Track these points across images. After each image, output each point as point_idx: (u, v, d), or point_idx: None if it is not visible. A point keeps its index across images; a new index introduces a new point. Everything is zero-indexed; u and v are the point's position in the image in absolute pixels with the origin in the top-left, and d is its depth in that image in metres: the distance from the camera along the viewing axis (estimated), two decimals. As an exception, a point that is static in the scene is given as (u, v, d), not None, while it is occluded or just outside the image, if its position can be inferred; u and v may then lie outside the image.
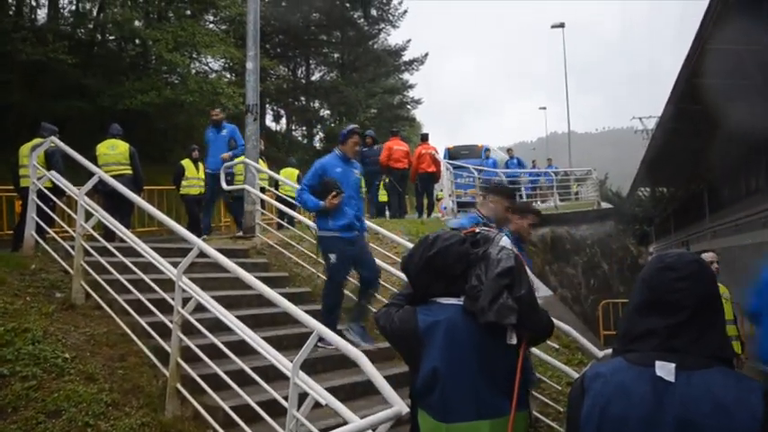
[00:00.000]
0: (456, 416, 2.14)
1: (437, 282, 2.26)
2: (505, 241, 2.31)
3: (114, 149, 8.28)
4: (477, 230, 2.39)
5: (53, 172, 6.19)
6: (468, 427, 2.13)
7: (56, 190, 6.32)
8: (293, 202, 8.72)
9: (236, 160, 9.40)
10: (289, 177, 10.82)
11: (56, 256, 5.60)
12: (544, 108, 50.46)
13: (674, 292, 1.45)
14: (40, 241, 5.96)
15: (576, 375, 4.56)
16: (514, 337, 2.17)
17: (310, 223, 7.43)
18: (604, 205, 20.94)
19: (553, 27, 33.56)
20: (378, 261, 6.07)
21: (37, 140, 7.46)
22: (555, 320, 4.58)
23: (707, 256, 5.82)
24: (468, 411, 2.13)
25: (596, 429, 1.45)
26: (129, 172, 8.24)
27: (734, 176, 23.26)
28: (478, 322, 2.14)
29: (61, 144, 6.30)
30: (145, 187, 9.31)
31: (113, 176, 7.02)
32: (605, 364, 1.55)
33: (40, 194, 6.05)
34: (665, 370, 1.39)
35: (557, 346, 5.72)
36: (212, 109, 10.70)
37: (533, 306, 2.26)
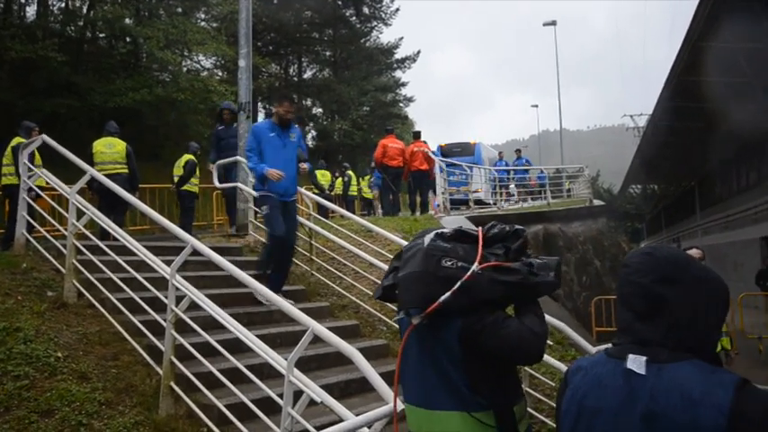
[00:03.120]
0: (408, 396, 2.28)
1: None
2: (429, 236, 2.29)
3: (111, 148, 8.23)
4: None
5: (44, 170, 6.15)
6: (409, 409, 2.27)
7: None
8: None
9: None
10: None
11: (47, 254, 5.56)
12: (536, 106, 50.71)
13: (627, 286, 1.50)
14: (31, 240, 5.92)
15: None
16: (401, 314, 2.22)
17: (303, 221, 7.44)
18: (596, 202, 21.01)
19: (545, 25, 33.64)
20: (371, 258, 6.09)
21: (18, 140, 7.42)
22: (547, 316, 4.62)
23: (693, 253, 5.84)
24: (412, 395, 2.27)
25: (574, 421, 1.49)
26: (126, 171, 8.20)
27: (724, 174, 23.44)
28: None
29: (52, 142, 6.26)
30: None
31: (109, 175, 6.99)
32: (587, 358, 1.59)
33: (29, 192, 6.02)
34: (637, 363, 1.41)
35: (550, 343, 5.74)
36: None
37: (405, 287, 2.20)
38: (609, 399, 1.42)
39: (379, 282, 6.43)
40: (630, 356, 1.42)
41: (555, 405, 5.02)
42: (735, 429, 1.27)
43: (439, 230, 2.30)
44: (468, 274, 2.09)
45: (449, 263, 2.13)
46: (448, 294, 2.08)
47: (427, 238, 2.24)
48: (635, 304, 1.47)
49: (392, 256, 2.47)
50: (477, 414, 2.13)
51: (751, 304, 12.73)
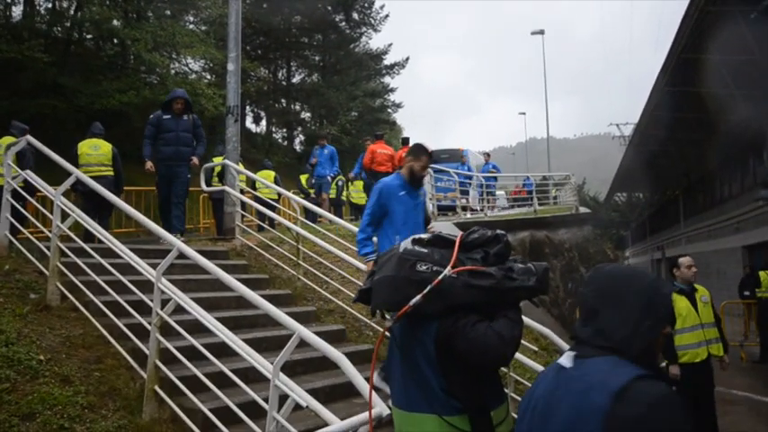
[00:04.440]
0: (394, 399, 2.35)
1: None
2: (406, 242, 2.35)
3: (97, 150, 8.16)
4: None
5: (28, 171, 6.09)
6: (393, 411, 2.34)
7: (27, 189, 6.22)
8: (273, 203, 8.70)
9: (216, 161, 9.38)
10: (266, 179, 10.77)
11: (30, 256, 5.50)
12: (524, 113, 51.11)
13: (577, 295, 1.73)
14: (14, 242, 5.85)
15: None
16: (378, 316, 2.41)
17: (291, 225, 7.43)
18: (582, 210, 21.18)
19: (533, 34, 33.91)
20: (358, 263, 6.09)
21: (8, 139, 7.34)
22: (532, 322, 4.65)
23: (685, 260, 5.92)
24: (396, 398, 2.33)
25: (524, 410, 1.67)
26: (111, 173, 8.14)
27: (708, 183, 23.74)
28: (406, 320, 2.28)
29: (37, 143, 6.20)
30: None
31: (94, 177, 6.92)
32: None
33: (14, 194, 5.95)
34: (567, 358, 1.60)
35: (535, 349, 5.78)
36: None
37: (377, 290, 2.28)
38: (541, 388, 1.63)
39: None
40: (566, 353, 1.62)
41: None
42: (614, 411, 1.38)
43: (417, 236, 2.33)
44: (439, 278, 2.12)
45: (423, 267, 2.17)
46: (418, 297, 2.12)
47: (404, 244, 2.28)
48: (581, 310, 1.69)
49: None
50: (450, 418, 2.15)
51: (734, 312, 12.88)
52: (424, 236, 2.34)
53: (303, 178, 14.35)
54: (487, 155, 18.42)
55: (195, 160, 8.15)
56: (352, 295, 6.56)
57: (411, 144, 5.21)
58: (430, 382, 2.19)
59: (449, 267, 2.16)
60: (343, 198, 16.60)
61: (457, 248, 2.23)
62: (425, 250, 2.24)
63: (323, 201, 11.90)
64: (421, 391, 2.21)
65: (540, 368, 4.81)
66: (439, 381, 2.18)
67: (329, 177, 12.39)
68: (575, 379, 1.52)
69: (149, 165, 7.83)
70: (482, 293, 2.17)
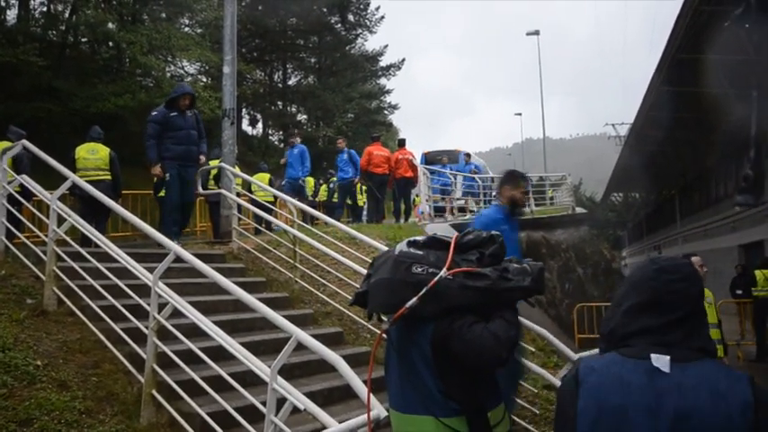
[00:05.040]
0: (391, 401, 2.35)
1: None
2: (401, 244, 2.36)
3: (94, 154, 8.14)
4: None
5: (24, 176, 6.07)
6: (391, 413, 2.34)
7: (24, 194, 6.20)
8: (270, 206, 8.70)
9: (212, 164, 9.36)
10: (261, 182, 10.76)
11: (27, 261, 5.48)
12: (520, 114, 51.25)
13: (673, 293, 1.56)
14: (11, 246, 5.83)
15: (552, 378, 4.62)
16: (375, 319, 2.36)
17: (287, 228, 7.42)
18: (579, 210, 21.22)
19: (528, 35, 33.99)
20: (355, 266, 6.09)
21: (5, 144, 7.32)
22: (529, 323, 4.65)
23: (694, 260, 5.96)
24: (393, 400, 2.33)
25: (593, 421, 1.50)
26: (109, 178, 8.12)
27: (704, 182, 23.82)
28: (403, 323, 2.27)
29: (33, 147, 6.18)
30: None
31: (92, 181, 6.92)
32: (597, 360, 1.60)
33: (10, 198, 5.94)
34: (661, 361, 1.48)
35: (533, 350, 5.78)
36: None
37: (373, 293, 2.28)
38: (635, 396, 1.47)
39: (362, 289, 6.34)
40: (654, 356, 1.49)
41: (537, 412, 5.05)
42: (758, 419, 1.40)
43: (413, 238, 2.34)
44: (435, 279, 2.13)
45: (419, 269, 2.17)
46: (414, 300, 2.13)
47: (399, 246, 2.29)
48: (674, 310, 1.55)
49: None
50: (447, 420, 2.16)
51: (730, 311, 12.92)
52: (419, 238, 2.34)
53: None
54: (468, 155, 17.36)
55: (203, 158, 7.78)
56: (350, 298, 6.55)
57: (505, 173, 4.91)
58: (427, 384, 2.19)
59: (444, 269, 2.16)
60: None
61: (452, 250, 2.24)
62: (421, 252, 2.25)
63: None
64: (418, 392, 2.21)
65: (537, 369, 4.82)
66: (435, 382, 2.19)
67: (301, 180, 11.73)
68: (689, 387, 1.45)
69: (158, 168, 7.21)
70: (478, 294, 2.17)
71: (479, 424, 2.20)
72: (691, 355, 1.50)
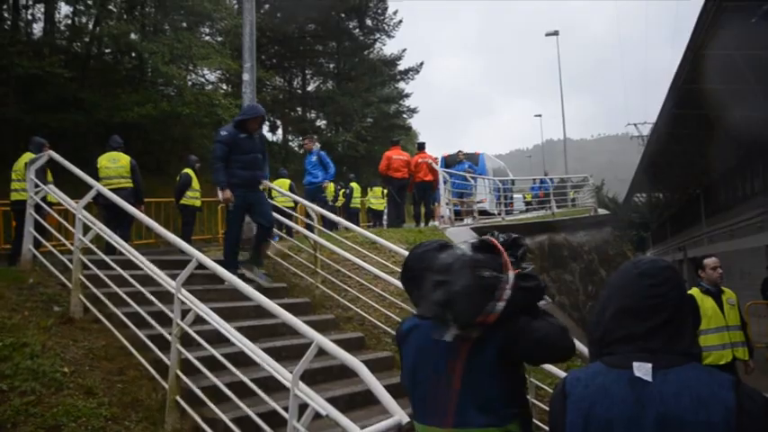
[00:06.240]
0: (424, 418, 2.19)
1: (414, 288, 2.33)
2: (465, 245, 2.25)
3: (116, 162, 8.30)
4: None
5: (51, 186, 6.20)
6: (424, 430, 2.18)
7: (47, 203, 6.33)
8: (290, 212, 8.74)
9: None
10: (281, 188, 10.79)
11: (53, 270, 5.59)
12: (539, 115, 50.81)
13: (652, 298, 1.53)
14: (38, 255, 5.95)
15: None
16: (447, 335, 2.11)
17: (308, 233, 7.45)
18: (601, 211, 20.96)
19: (547, 35, 33.77)
20: (375, 270, 6.09)
21: (28, 155, 7.48)
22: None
23: (710, 262, 5.81)
24: (433, 415, 2.16)
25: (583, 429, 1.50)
26: (131, 185, 8.26)
27: (729, 181, 23.38)
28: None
29: (58, 157, 6.31)
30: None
31: (114, 189, 7.03)
32: (583, 369, 1.61)
33: (36, 208, 6.06)
34: (643, 370, 1.47)
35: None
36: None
37: (462, 301, 2.10)
38: (618, 407, 1.46)
39: (384, 293, 6.40)
40: (635, 364, 1.48)
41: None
42: (741, 425, 1.37)
43: (468, 240, 2.30)
44: (512, 282, 2.12)
45: (487, 273, 2.14)
46: (501, 304, 2.10)
47: (465, 249, 2.22)
48: (654, 314, 1.52)
49: (410, 267, 2.41)
50: (510, 426, 2.12)
51: (759, 313, 12.63)
52: (472, 240, 2.31)
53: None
54: (461, 153, 16.56)
55: (266, 183, 7.32)
56: (371, 303, 6.58)
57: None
58: (487, 394, 2.13)
59: (511, 272, 2.15)
60: (356, 205, 16.59)
61: (505, 252, 2.23)
62: (483, 256, 2.22)
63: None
64: (476, 404, 2.13)
65: (560, 372, 4.76)
66: (496, 391, 2.13)
67: (324, 185, 11.08)
68: (671, 394, 1.43)
69: (228, 194, 6.54)
70: (528, 295, 2.19)
71: (530, 426, 2.21)
72: (674, 360, 1.47)
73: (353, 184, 16.85)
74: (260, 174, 6.92)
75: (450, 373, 2.15)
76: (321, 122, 33.41)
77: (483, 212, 14.83)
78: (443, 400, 2.15)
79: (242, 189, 6.63)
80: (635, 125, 32.87)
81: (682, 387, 1.43)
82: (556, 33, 33.52)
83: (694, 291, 5.73)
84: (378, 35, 33.10)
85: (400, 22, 32.69)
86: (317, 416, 3.13)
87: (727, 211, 22.95)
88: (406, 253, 6.55)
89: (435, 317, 2.14)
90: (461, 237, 8.09)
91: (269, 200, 7.49)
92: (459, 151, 16.96)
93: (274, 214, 7.54)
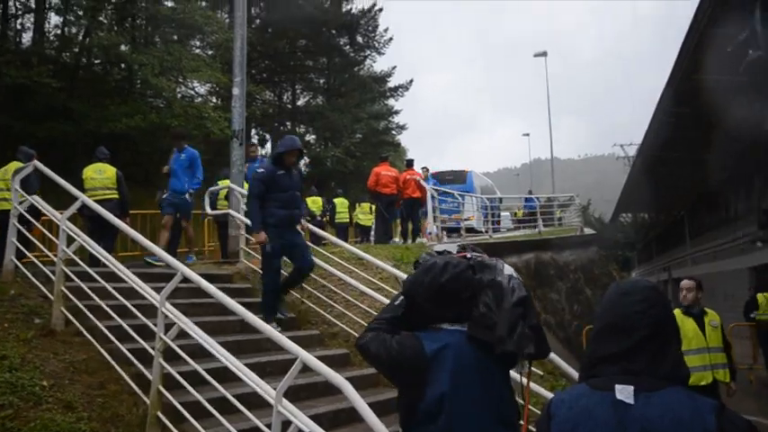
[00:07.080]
0: None
1: (446, 308, 2.19)
2: (509, 269, 2.25)
3: (101, 174, 8.23)
4: (469, 255, 2.36)
5: (35, 196, 6.14)
6: None
7: (32, 213, 6.25)
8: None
9: (221, 184, 9.41)
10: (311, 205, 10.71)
11: (35, 281, 5.51)
12: (527, 134, 51.29)
13: (633, 314, 1.55)
14: (20, 266, 5.87)
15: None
16: (527, 365, 2.18)
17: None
18: (587, 231, 21.12)
19: (536, 56, 34.23)
20: (362, 287, 6.08)
21: (15, 164, 7.41)
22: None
23: (685, 284, 5.88)
24: None
25: None
26: (116, 196, 8.19)
27: (713, 203, 23.69)
28: (483, 350, 2.11)
29: (43, 167, 6.26)
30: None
31: (99, 201, 6.97)
32: (568, 391, 1.63)
33: (20, 219, 5.99)
34: (625, 393, 1.47)
35: (541, 373, 5.72)
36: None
37: (543, 335, 2.19)
38: (601, 429, 1.47)
39: (371, 310, 6.35)
40: (618, 387, 1.48)
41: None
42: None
43: (500, 262, 2.32)
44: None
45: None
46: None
47: (508, 271, 2.24)
48: (633, 331, 1.54)
49: (451, 290, 2.21)
50: None
51: (742, 335, 12.74)
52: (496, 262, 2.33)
53: (309, 201, 14.39)
54: (425, 169, 15.57)
55: (304, 223, 6.92)
56: (357, 319, 6.55)
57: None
58: (508, 413, 2.15)
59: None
60: (343, 220, 16.52)
61: None
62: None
63: (185, 228, 8.87)
64: (505, 423, 2.12)
65: (547, 393, 4.76)
66: (514, 409, 2.17)
67: (188, 195, 8.56)
68: (653, 417, 1.43)
69: (263, 236, 6.09)
70: None
71: None
72: (656, 384, 1.48)
73: (338, 200, 16.80)
74: (298, 213, 6.47)
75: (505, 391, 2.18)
76: (310, 137, 33.42)
77: (470, 230, 14.88)
78: (498, 419, 2.11)
79: (279, 229, 6.16)
80: (621, 146, 33.32)
81: (664, 410, 1.43)
82: (544, 54, 33.98)
83: (676, 312, 5.78)
84: (368, 52, 33.31)
85: (390, 39, 32.94)
86: (300, 433, 3.11)
87: (711, 233, 23.23)
88: (394, 270, 6.49)
89: (516, 350, 2.08)
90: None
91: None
92: (425, 168, 16.01)
93: None
